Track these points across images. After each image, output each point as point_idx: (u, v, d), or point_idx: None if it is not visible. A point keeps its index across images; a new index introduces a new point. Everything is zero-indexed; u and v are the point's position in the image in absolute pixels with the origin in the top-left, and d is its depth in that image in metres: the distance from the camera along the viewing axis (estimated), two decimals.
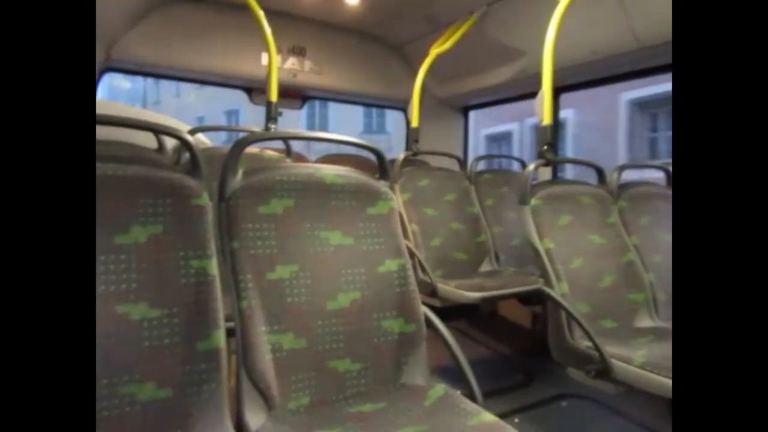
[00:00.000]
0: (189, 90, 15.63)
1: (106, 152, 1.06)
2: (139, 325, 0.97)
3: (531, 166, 1.85)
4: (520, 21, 2.76)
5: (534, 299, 2.66)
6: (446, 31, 3.00)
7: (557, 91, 2.93)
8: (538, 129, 1.97)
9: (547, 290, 1.68)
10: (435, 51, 3.02)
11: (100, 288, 0.95)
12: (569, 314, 1.60)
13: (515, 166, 3.48)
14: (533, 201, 1.79)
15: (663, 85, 8.14)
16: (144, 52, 2.85)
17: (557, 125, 2.79)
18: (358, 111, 15.23)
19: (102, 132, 2.24)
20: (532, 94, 2.05)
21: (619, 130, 9.58)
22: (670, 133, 8.89)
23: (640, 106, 9.45)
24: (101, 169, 0.99)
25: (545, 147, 1.93)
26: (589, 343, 1.53)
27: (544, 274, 1.74)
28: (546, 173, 2.97)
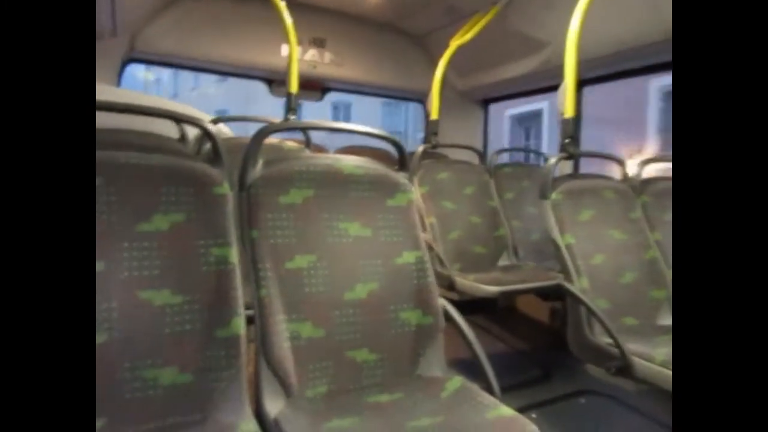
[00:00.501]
0: (208, 83, 15.71)
1: (129, 141, 1.07)
2: (162, 311, 0.98)
3: (552, 160, 1.82)
4: (543, 11, 2.71)
5: (553, 295, 2.63)
6: (467, 22, 2.97)
7: (581, 84, 2.88)
8: (560, 122, 1.93)
9: (568, 286, 1.65)
10: (456, 42, 2.99)
11: (123, 274, 0.97)
12: (589, 310, 1.58)
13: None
14: (554, 195, 1.76)
15: (533, 104, 11.12)
16: (166, 43, 2.88)
17: (580, 118, 2.74)
18: (377, 112, 15.18)
19: (125, 121, 2.28)
20: (555, 87, 2.01)
21: (504, 137, 12.24)
22: (535, 141, 12.17)
23: (518, 120, 12.34)
24: (125, 157, 1.01)
25: (567, 140, 1.90)
26: (610, 340, 1.51)
27: (565, 270, 1.72)
28: (568, 167, 2.92)
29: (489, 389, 1.15)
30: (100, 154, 0.99)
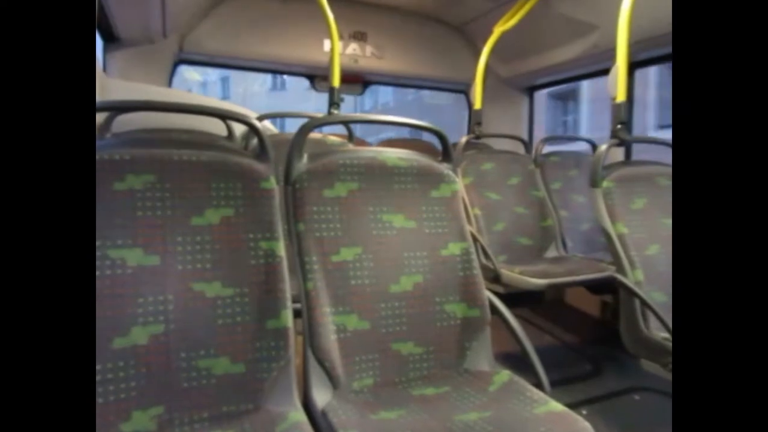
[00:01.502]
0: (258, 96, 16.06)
1: (181, 139, 1.11)
2: (214, 302, 1.02)
3: (603, 147, 1.75)
4: None
5: (604, 287, 2.53)
6: (511, 8, 2.88)
7: (632, 66, 2.75)
8: (611, 106, 1.85)
9: (621, 278, 1.59)
10: (499, 29, 2.91)
11: (178, 267, 1.01)
12: (644, 304, 1.51)
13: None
14: (605, 183, 1.69)
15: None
16: (213, 44, 2.96)
17: (632, 103, 2.62)
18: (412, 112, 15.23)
19: (176, 120, 2.37)
20: (604, 71, 1.93)
21: (541, 115, 11.04)
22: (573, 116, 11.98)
23: (556, 96, 12.34)
24: (177, 155, 1.04)
25: (619, 126, 1.82)
26: (666, 335, 1.44)
27: (617, 261, 1.65)
28: (618, 154, 2.80)
29: (538, 384, 1.13)
30: (154, 152, 1.03)
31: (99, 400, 0.91)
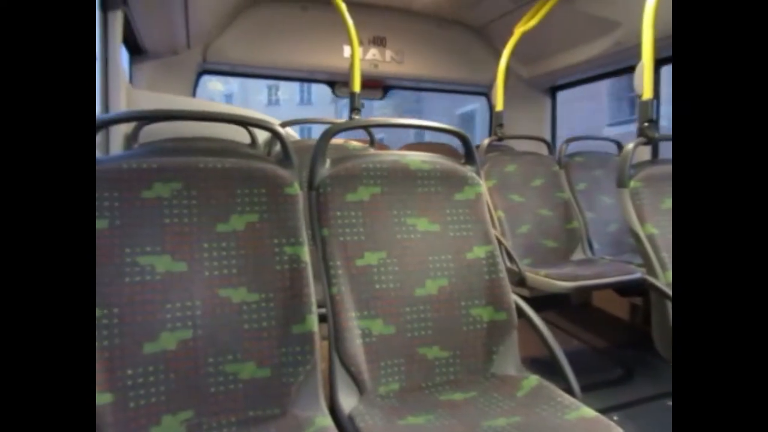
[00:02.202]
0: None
1: (205, 147, 1.13)
2: (240, 308, 1.03)
3: (630, 145, 1.71)
4: None
5: (633, 290, 2.47)
6: (532, 8, 2.86)
7: (658, 63, 2.68)
8: (638, 104, 1.81)
9: (652, 280, 1.54)
10: (520, 29, 2.89)
11: (204, 273, 1.02)
12: None
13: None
14: (633, 183, 1.65)
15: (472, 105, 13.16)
16: (235, 53, 3.01)
17: (659, 100, 2.56)
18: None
19: (200, 128, 2.41)
20: (628, 69, 1.89)
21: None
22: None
23: (463, 117, 14.87)
24: (203, 162, 1.06)
25: (646, 124, 1.77)
26: None
27: (647, 263, 1.61)
28: (645, 153, 2.74)
29: (567, 389, 1.10)
30: (179, 160, 1.04)
31: (130, 404, 0.93)
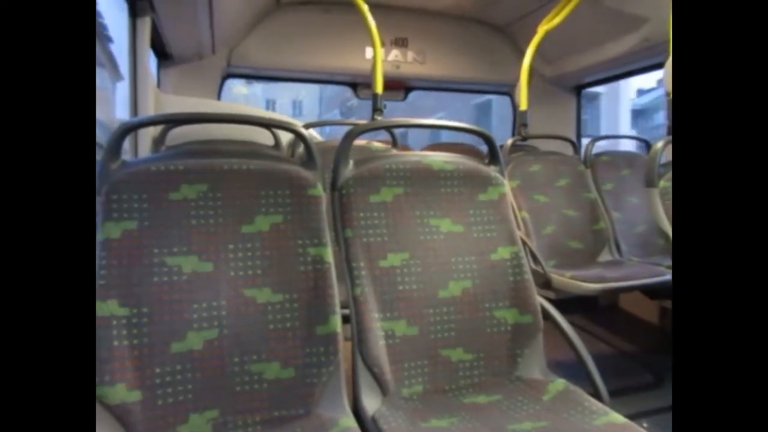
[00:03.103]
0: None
1: (230, 149, 1.15)
2: (264, 308, 1.04)
3: (659, 144, 1.67)
4: None
5: (662, 292, 2.41)
6: (556, 6, 2.81)
7: None
8: (666, 101, 1.76)
9: None
10: (543, 28, 2.84)
11: (230, 274, 1.03)
12: None
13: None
14: (662, 183, 1.61)
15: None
16: (259, 56, 3.05)
17: None
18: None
19: (225, 131, 2.45)
20: (657, 66, 1.84)
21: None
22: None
23: (479, 107, 15.17)
24: (228, 164, 1.07)
25: None
26: None
27: None
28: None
29: (594, 394, 1.08)
30: (205, 162, 1.06)
31: (158, 402, 0.94)
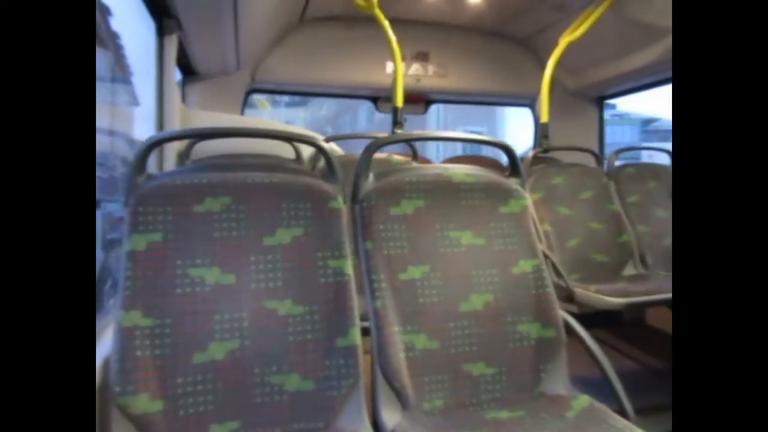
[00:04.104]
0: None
1: (253, 163, 1.17)
2: (285, 320, 1.04)
3: None
4: None
5: None
6: (578, 17, 2.80)
7: None
8: None
9: None
10: (565, 40, 2.83)
11: (251, 285, 1.04)
12: None
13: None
14: None
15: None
16: (283, 72, 3.11)
17: None
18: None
19: (249, 145, 2.49)
20: None
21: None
22: None
23: None
24: (250, 177, 1.09)
25: None
26: None
27: None
28: None
29: (620, 411, 1.05)
30: (228, 176, 1.08)
31: (180, 413, 0.95)
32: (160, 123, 2.28)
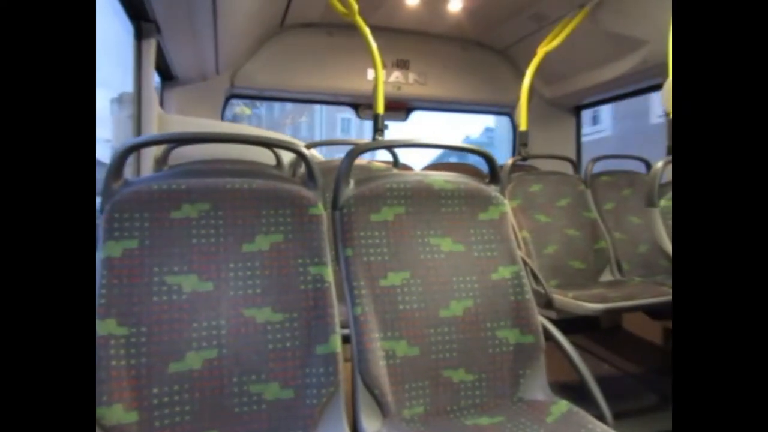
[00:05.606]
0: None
1: (232, 169, 1.15)
2: (264, 327, 1.03)
3: (659, 164, 1.68)
4: (639, 6, 2.54)
5: (666, 312, 2.38)
6: (555, 28, 2.86)
7: None
8: (666, 122, 1.78)
9: None
10: (543, 49, 2.89)
11: (229, 293, 1.03)
12: None
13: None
14: (663, 202, 1.61)
15: None
16: (262, 78, 3.10)
17: None
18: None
19: (228, 150, 2.46)
20: (655, 87, 1.86)
21: None
22: None
23: None
24: (230, 183, 1.08)
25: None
26: None
27: None
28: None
29: (599, 416, 1.06)
30: (207, 182, 1.07)
31: (155, 424, 0.93)
32: (138, 128, 2.24)
